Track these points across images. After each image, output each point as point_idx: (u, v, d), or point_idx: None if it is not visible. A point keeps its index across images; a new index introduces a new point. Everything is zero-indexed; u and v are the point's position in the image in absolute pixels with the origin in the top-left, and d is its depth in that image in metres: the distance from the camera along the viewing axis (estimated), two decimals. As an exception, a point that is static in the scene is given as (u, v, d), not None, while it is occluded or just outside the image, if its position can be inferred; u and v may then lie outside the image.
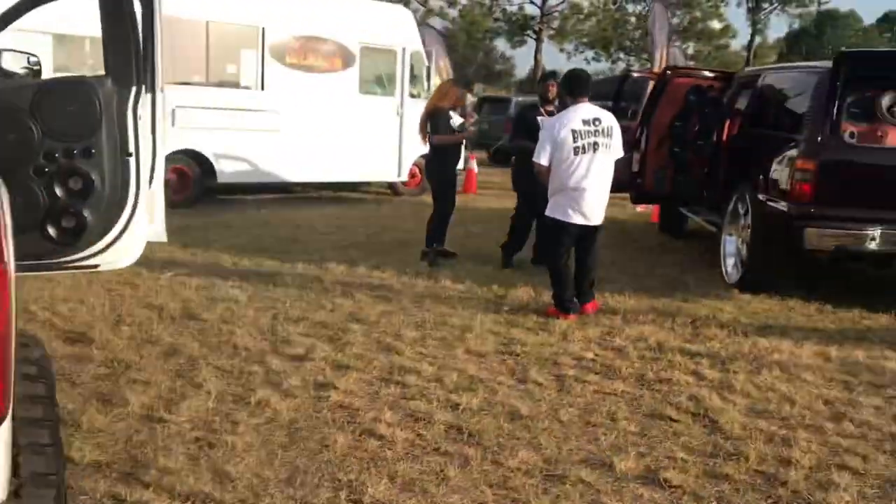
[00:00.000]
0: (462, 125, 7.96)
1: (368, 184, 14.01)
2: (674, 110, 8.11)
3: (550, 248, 6.18)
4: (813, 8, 51.99)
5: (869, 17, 63.85)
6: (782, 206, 6.52)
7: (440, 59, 19.16)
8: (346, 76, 12.25)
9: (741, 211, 7.31)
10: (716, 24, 46.75)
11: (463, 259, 8.03)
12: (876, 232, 6.19)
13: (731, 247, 7.53)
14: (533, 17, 43.85)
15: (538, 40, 43.57)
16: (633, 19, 46.52)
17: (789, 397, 4.55)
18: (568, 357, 5.13)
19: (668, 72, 8.16)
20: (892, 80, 6.47)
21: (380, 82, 12.77)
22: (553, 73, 7.92)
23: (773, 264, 6.98)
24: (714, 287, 7.25)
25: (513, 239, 7.80)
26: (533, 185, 7.60)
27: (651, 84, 8.75)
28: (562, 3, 43.15)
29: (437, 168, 7.78)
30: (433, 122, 7.57)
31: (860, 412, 4.37)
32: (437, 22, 36.22)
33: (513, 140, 7.70)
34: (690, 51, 45.49)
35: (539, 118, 7.44)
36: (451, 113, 7.85)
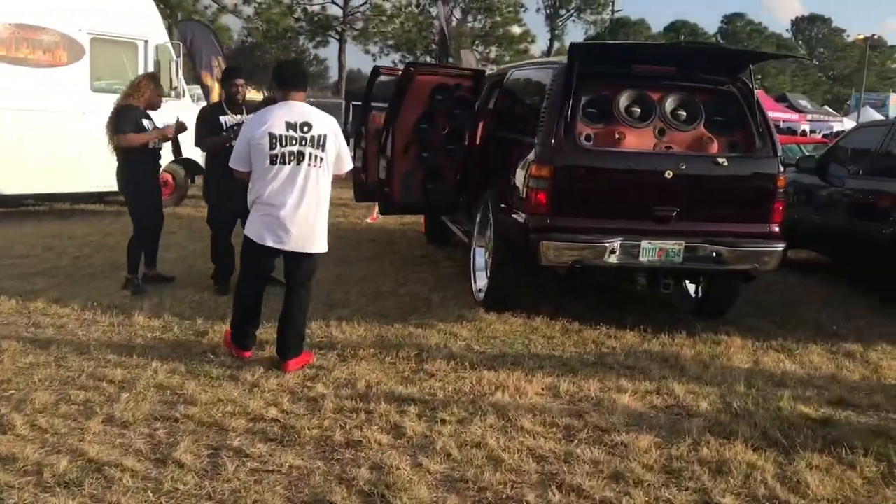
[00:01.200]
0: (182, 125, 6.75)
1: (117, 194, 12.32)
2: (419, 111, 7.30)
3: (241, 269, 5.13)
4: (606, 15, 54.47)
5: (657, 26, 67.93)
6: (520, 216, 5.84)
7: (213, 57, 17.65)
8: (73, 71, 10.58)
9: (490, 221, 6.61)
10: (515, 30, 47.81)
11: (181, 285, 6.82)
12: (615, 244, 5.63)
13: (481, 260, 6.83)
14: (336, 18, 42.76)
15: (341, 41, 42.53)
16: (436, 22, 46.73)
17: (496, 456, 3.75)
18: (243, 418, 4.09)
19: (411, 69, 7.33)
20: (630, 76, 5.96)
21: (118, 78, 11.18)
22: (235, 70, 6.87)
23: (516, 280, 6.30)
24: (460, 307, 6.50)
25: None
26: (217, 197, 6.58)
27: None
28: (364, 3, 42.43)
29: (127, 177, 6.51)
30: (118, 121, 6.30)
31: (574, 471, 3.64)
32: (230, 19, 34.30)
33: (197, 144, 6.54)
34: (493, 55, 46.25)
35: (223, 117, 6.40)
36: (152, 113, 6.62)
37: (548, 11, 52.70)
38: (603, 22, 55.48)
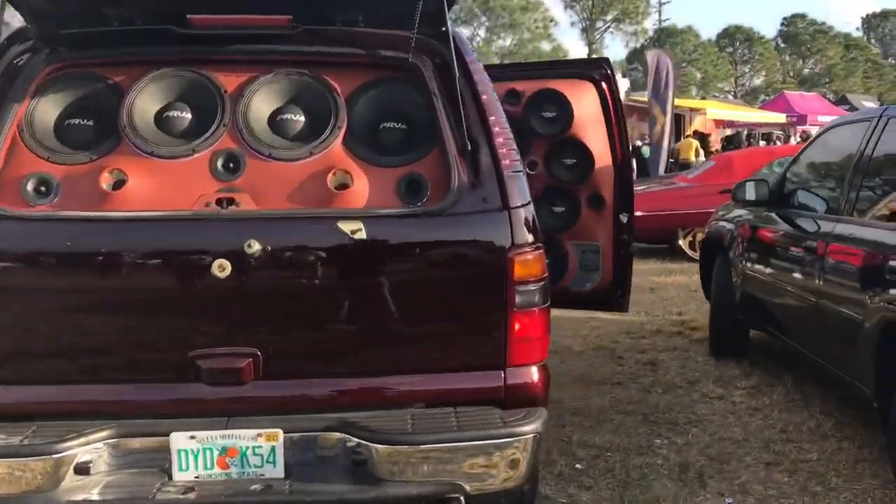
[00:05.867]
0: None
1: None
2: None
3: None
4: (647, 24, 50.70)
5: (706, 33, 63.26)
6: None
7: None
8: None
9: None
10: (545, 46, 44.59)
11: None
12: (93, 447, 2.29)
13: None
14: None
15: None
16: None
17: None
18: None
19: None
20: (173, 39, 2.62)
21: None
22: None
23: None
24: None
25: None
26: None
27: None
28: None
29: None
30: None
31: None
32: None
33: None
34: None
35: None
36: None
37: (583, 24, 49.18)
38: (644, 32, 51.69)
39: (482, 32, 43.88)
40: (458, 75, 2.48)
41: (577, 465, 3.96)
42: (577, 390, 5.09)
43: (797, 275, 4.55)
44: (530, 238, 2.44)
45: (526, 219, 2.45)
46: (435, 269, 2.43)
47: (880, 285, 3.63)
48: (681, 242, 10.52)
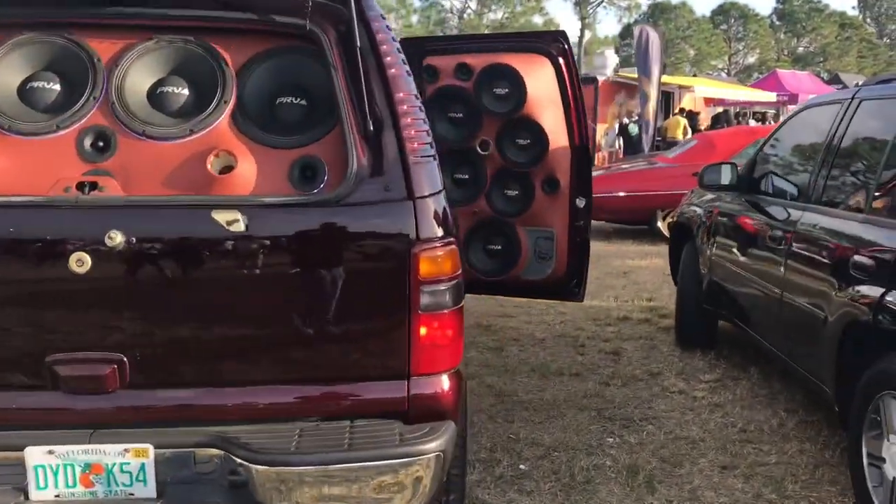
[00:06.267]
0: None
1: None
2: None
3: None
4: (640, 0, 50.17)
5: (700, 9, 62.66)
6: None
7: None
8: None
9: None
10: (537, 20, 44.02)
11: None
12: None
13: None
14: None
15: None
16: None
17: None
18: None
19: None
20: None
21: None
22: None
23: None
24: None
25: None
26: None
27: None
28: None
29: None
30: None
31: None
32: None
33: None
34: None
35: None
36: None
37: (576, -1, 48.48)
38: (638, 7, 51.09)
39: (473, 5, 43.31)
40: (360, 45, 2.19)
41: (521, 466, 3.73)
42: (532, 382, 4.85)
43: (762, 265, 4.30)
44: (439, 232, 2.16)
45: (435, 210, 2.17)
46: (329, 266, 2.16)
47: (845, 279, 3.37)
48: (660, 224, 10.25)
